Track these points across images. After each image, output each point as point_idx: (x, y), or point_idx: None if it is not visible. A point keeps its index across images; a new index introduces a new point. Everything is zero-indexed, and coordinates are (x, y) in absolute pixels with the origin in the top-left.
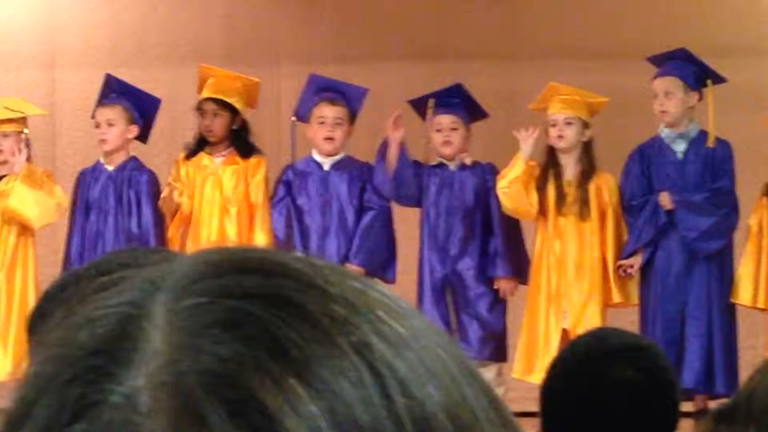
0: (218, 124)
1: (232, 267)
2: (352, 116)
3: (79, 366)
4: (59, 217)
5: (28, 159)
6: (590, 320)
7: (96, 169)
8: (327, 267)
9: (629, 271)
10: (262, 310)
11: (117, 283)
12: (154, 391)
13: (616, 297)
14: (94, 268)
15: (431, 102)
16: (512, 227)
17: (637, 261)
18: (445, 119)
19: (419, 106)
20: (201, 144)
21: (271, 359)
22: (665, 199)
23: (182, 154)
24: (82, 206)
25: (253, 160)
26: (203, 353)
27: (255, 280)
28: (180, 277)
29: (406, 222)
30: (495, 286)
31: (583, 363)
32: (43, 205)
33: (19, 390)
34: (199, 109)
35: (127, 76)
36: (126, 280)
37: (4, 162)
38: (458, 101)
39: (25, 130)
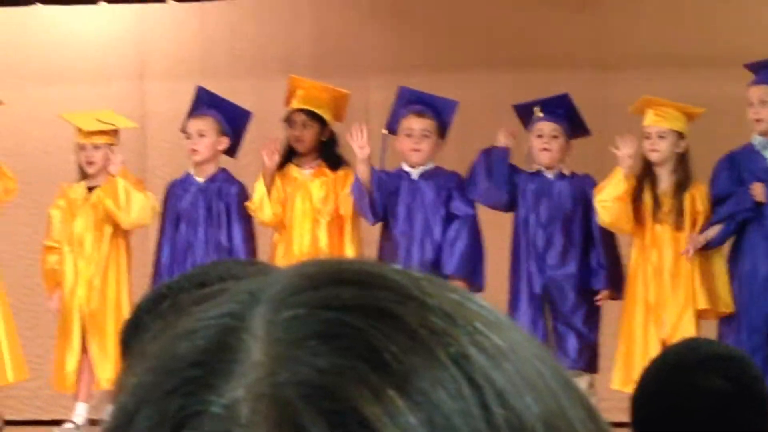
0: (308, 135)
1: (330, 279)
2: (442, 128)
3: (179, 377)
4: (151, 221)
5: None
6: (685, 329)
7: (186, 180)
8: (424, 278)
9: (696, 241)
10: (360, 322)
11: (216, 296)
12: (253, 402)
13: (701, 302)
14: (186, 280)
15: (537, 108)
16: (612, 239)
17: (707, 234)
18: (547, 126)
19: (523, 112)
20: (289, 156)
21: (370, 370)
22: (758, 189)
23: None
24: (172, 217)
25: (341, 172)
26: (302, 365)
27: (353, 291)
28: (279, 289)
29: (490, 229)
30: (597, 297)
31: (673, 372)
32: (141, 204)
33: (119, 400)
34: (288, 119)
35: (216, 87)
36: (225, 292)
37: (94, 175)
38: (562, 111)
39: (115, 145)
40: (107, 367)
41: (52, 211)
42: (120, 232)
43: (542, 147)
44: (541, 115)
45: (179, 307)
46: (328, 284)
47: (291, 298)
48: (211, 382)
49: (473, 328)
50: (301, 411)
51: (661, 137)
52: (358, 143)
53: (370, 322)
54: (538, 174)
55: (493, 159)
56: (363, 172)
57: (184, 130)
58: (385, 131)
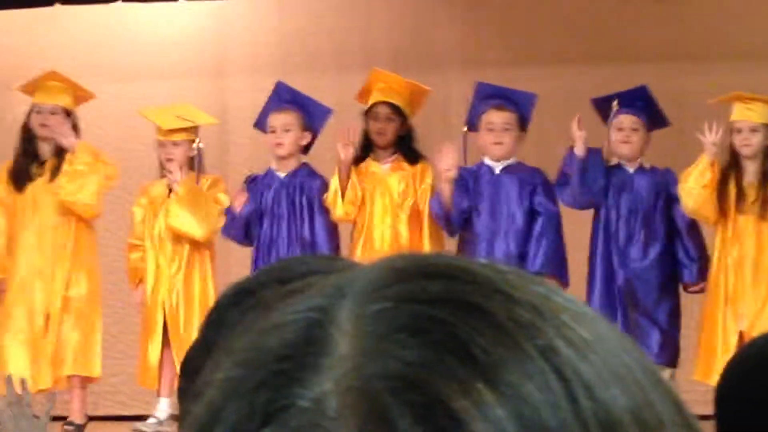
0: (390, 129)
1: (418, 272)
2: (523, 121)
3: (267, 371)
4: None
5: (199, 169)
6: (765, 323)
7: (268, 175)
8: (511, 272)
9: None
10: (448, 315)
11: (302, 290)
12: (342, 395)
13: None
14: (266, 275)
15: (615, 102)
16: (698, 231)
17: None
18: (627, 119)
19: (602, 105)
20: (366, 150)
21: (458, 364)
22: None
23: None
24: (255, 213)
25: (419, 165)
26: (390, 358)
27: (440, 285)
28: (366, 283)
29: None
30: (692, 289)
31: (756, 366)
32: (202, 220)
33: (206, 395)
34: (371, 113)
35: (295, 83)
36: (312, 286)
37: (172, 172)
38: (642, 104)
39: (197, 141)
40: None
41: (134, 209)
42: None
43: (623, 140)
44: (619, 108)
45: (263, 302)
46: (415, 278)
47: (378, 291)
48: (299, 376)
49: (560, 321)
50: (390, 404)
51: (753, 131)
52: (445, 165)
53: (458, 315)
54: (618, 167)
55: (590, 163)
56: (445, 191)
57: (260, 126)
58: (465, 129)
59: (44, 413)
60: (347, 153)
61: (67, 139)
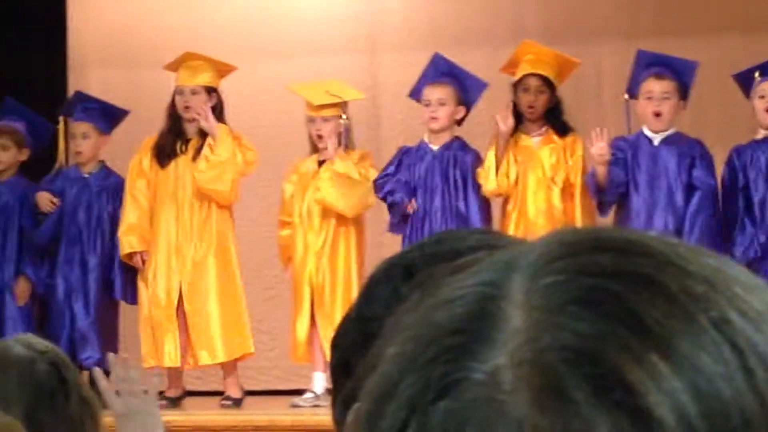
0: (541, 101)
1: (588, 246)
2: (683, 90)
3: (440, 345)
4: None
5: (347, 145)
6: None
7: (420, 148)
8: (681, 245)
9: None
10: (620, 288)
11: (471, 265)
12: (515, 368)
13: None
14: (419, 250)
15: (757, 73)
16: None
17: None
18: None
19: (744, 80)
20: (515, 124)
21: (632, 335)
22: None
23: None
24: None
25: (569, 138)
26: (563, 330)
27: (611, 258)
28: (536, 257)
29: None
30: None
31: None
32: (352, 197)
33: (380, 369)
34: (521, 85)
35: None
36: (480, 261)
37: (324, 148)
38: None
39: (344, 116)
40: None
41: (285, 186)
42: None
43: (766, 107)
44: (762, 77)
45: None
46: (586, 251)
47: (549, 265)
48: (472, 350)
49: (733, 293)
50: (565, 376)
51: None
52: (599, 149)
53: (631, 287)
54: (765, 141)
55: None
56: (600, 172)
57: (415, 96)
58: (626, 96)
59: (152, 387)
60: (507, 124)
61: (208, 122)
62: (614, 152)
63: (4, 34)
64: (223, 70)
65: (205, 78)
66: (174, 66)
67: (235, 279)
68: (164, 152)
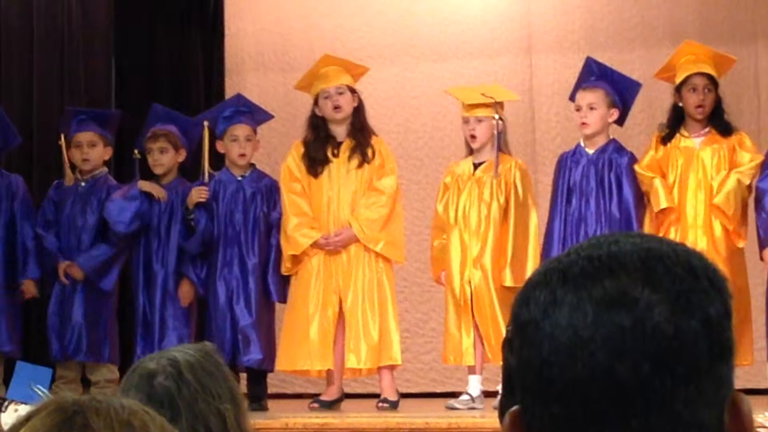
0: (708, 101)
1: None
2: None
3: None
4: None
5: (500, 146)
6: None
7: (576, 152)
8: None
9: None
10: None
11: None
12: None
13: None
14: (575, 254)
15: None
16: None
17: None
18: None
19: None
20: (676, 125)
21: None
22: None
23: (657, 134)
24: (563, 190)
25: (734, 138)
26: None
27: None
28: None
29: None
30: None
31: None
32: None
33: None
34: (685, 85)
35: (603, 58)
36: None
37: (479, 149)
38: None
39: (496, 116)
40: (494, 341)
41: (441, 187)
42: (508, 207)
43: None
44: None
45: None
46: None
47: None
48: None
49: None
50: None
51: None
52: None
53: None
54: None
55: None
56: None
57: (573, 99)
58: None
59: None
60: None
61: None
62: None
63: (168, 35)
64: (357, 72)
65: (346, 78)
66: (308, 78)
67: (393, 286)
68: (315, 162)
